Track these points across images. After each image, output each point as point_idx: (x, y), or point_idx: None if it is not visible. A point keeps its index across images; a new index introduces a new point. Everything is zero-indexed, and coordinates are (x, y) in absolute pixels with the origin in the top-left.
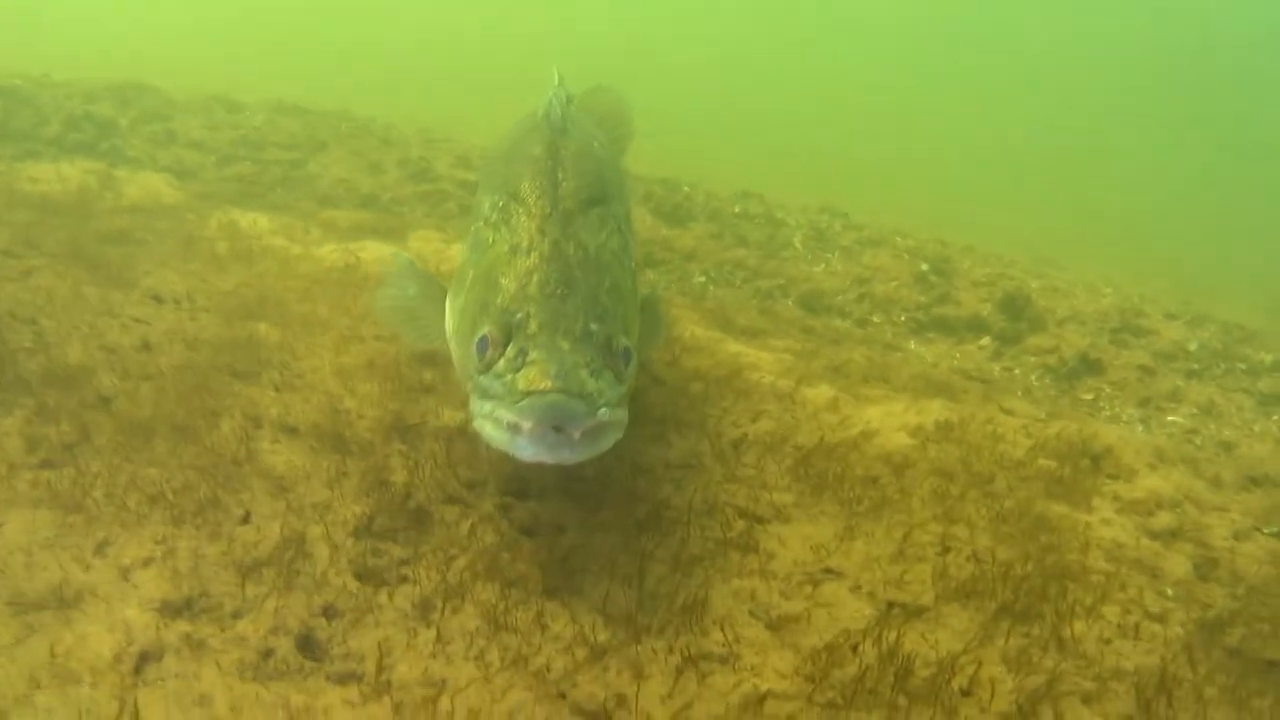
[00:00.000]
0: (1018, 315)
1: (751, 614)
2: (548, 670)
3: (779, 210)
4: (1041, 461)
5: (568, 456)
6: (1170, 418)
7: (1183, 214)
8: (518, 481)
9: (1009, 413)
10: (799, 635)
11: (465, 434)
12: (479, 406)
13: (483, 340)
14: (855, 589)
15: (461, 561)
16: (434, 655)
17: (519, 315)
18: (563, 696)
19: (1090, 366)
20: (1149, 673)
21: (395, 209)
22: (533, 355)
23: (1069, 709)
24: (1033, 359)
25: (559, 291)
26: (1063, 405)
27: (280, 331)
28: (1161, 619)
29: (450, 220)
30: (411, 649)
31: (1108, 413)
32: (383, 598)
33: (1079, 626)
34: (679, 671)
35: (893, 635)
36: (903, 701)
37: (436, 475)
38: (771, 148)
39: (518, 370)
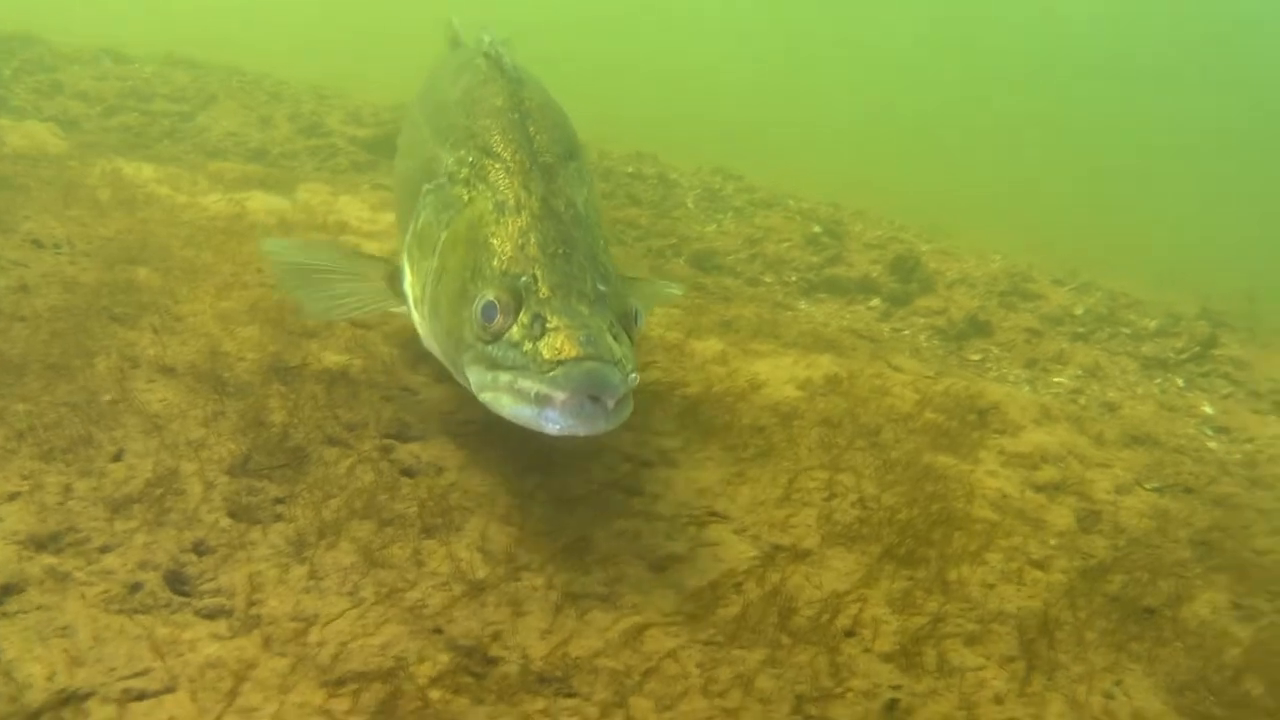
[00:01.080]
0: (908, 277)
1: (634, 554)
2: (423, 606)
3: (672, 172)
4: (929, 415)
5: (602, 426)
6: (1056, 379)
7: (1075, 188)
8: (398, 424)
9: (897, 369)
10: (682, 575)
11: (346, 377)
12: (487, 377)
13: (488, 306)
14: (740, 532)
15: (338, 500)
16: (306, 590)
17: (524, 279)
18: (438, 631)
19: (978, 328)
20: (1031, 616)
21: (284, 162)
22: (554, 321)
23: (952, 649)
24: (922, 320)
25: (561, 251)
26: (951, 365)
27: (162, 277)
28: (1044, 566)
29: (340, 175)
30: (283, 584)
31: (995, 373)
32: (256, 535)
33: (963, 571)
34: (558, 608)
35: (776, 576)
36: (785, 640)
37: (316, 416)
38: (670, 112)
39: (539, 338)
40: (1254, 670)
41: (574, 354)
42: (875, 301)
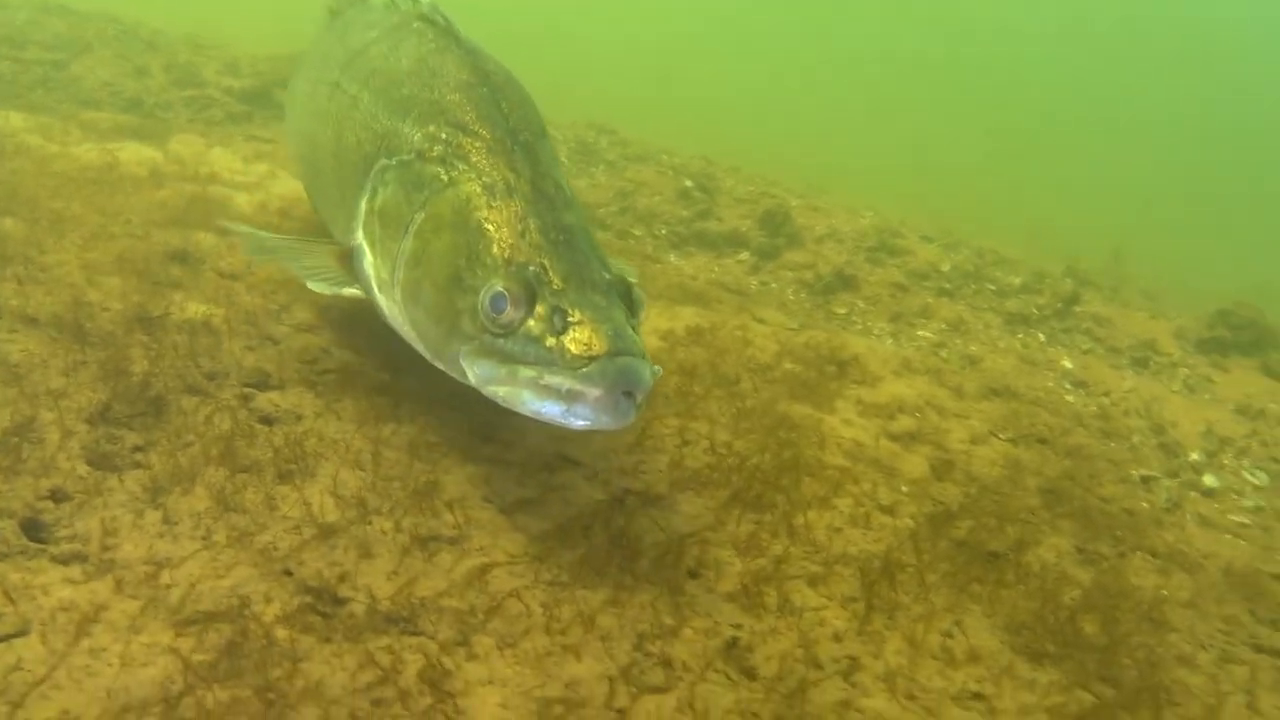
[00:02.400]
0: (776, 231)
1: (485, 499)
2: (274, 548)
3: (548, 125)
4: (788, 366)
5: (630, 420)
6: (920, 332)
7: (963, 152)
8: (259, 373)
9: (761, 321)
10: (531, 519)
11: (209, 326)
12: (500, 371)
13: (498, 298)
14: (591, 477)
15: (196, 448)
16: (160, 535)
17: (531, 268)
18: (288, 573)
19: (845, 282)
20: (875, 559)
21: (159, 113)
22: (576, 315)
23: (794, 590)
24: (790, 274)
25: (563, 238)
26: (816, 318)
27: (28, 227)
28: (892, 511)
29: (215, 126)
30: (137, 529)
31: (860, 326)
32: (113, 482)
33: (810, 515)
34: (405, 550)
35: (623, 520)
36: (629, 581)
37: (177, 366)
38: (550, 67)
39: (562, 333)
40: (1090, 611)
41: (605, 349)
42: (744, 255)
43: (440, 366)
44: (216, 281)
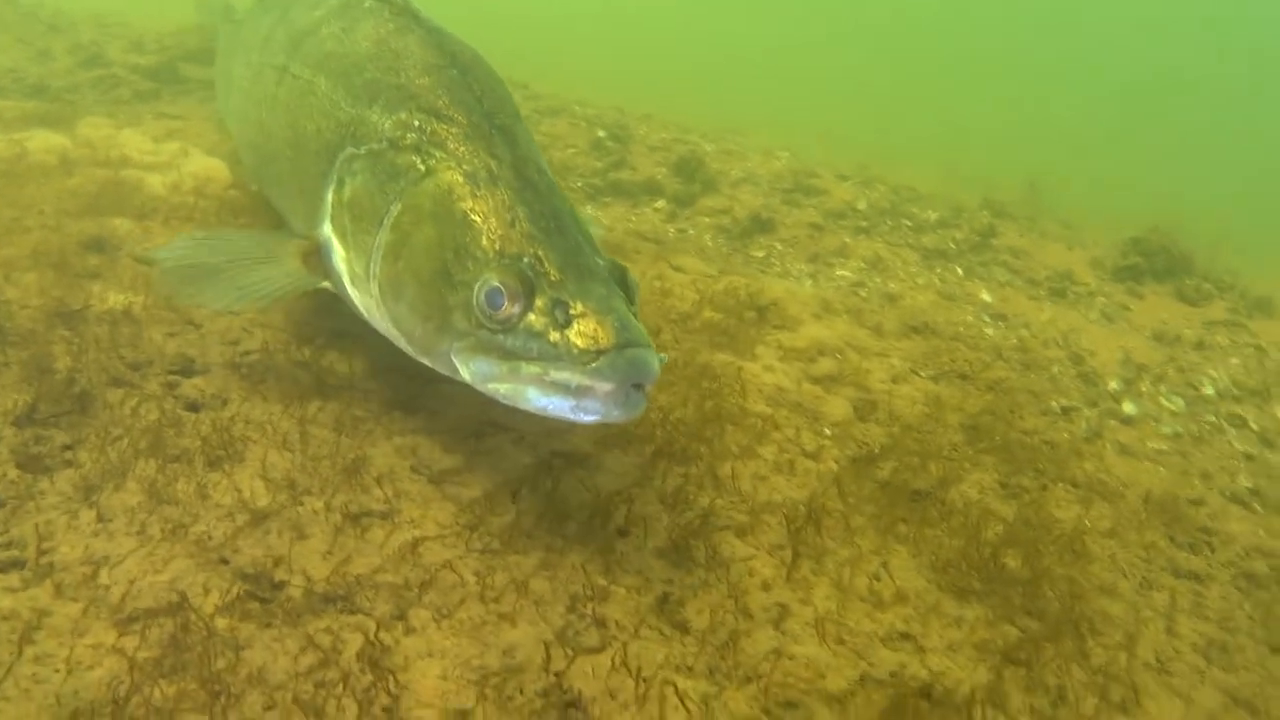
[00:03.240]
0: (692, 178)
1: (413, 470)
2: (209, 538)
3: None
4: (708, 314)
5: (640, 411)
6: (839, 272)
7: (884, 90)
8: (182, 360)
9: (679, 270)
10: (460, 487)
11: (130, 316)
12: (502, 368)
13: (494, 293)
14: (518, 441)
15: (124, 442)
16: (95, 534)
17: (525, 260)
18: (224, 562)
19: (762, 225)
20: (801, 505)
21: (66, 97)
22: (578, 307)
23: (723, 541)
24: (707, 220)
25: (553, 226)
26: (735, 262)
27: None
28: (816, 456)
29: (123, 105)
30: (73, 530)
31: (779, 269)
32: (44, 484)
33: (735, 466)
34: (338, 529)
35: (550, 483)
36: (559, 543)
37: (100, 359)
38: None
39: (566, 326)
40: (1013, 545)
41: (612, 342)
42: (661, 203)
43: (427, 363)
44: (134, 268)
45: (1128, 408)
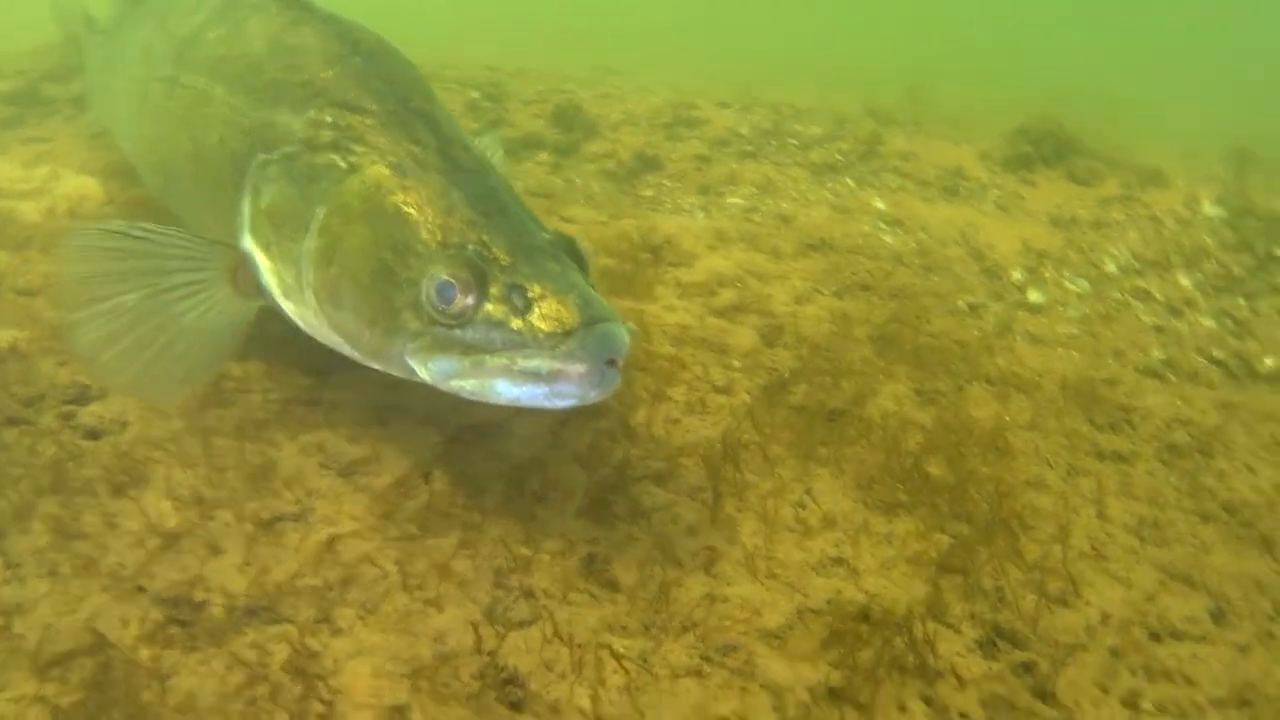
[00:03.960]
0: (571, 126)
1: (322, 466)
2: (122, 568)
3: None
4: (604, 261)
5: (615, 387)
6: (730, 200)
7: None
8: (77, 388)
9: (570, 221)
10: (371, 477)
11: (16, 351)
12: (464, 363)
13: (444, 287)
14: (424, 421)
15: (25, 482)
16: (6, 582)
17: (470, 248)
18: (141, 590)
19: (648, 164)
20: (715, 443)
21: None
22: (535, 288)
23: (643, 492)
24: (591, 166)
25: (493, 207)
26: (625, 205)
27: None
28: (728, 390)
29: None
30: None
31: (669, 205)
32: None
33: (645, 412)
34: (252, 539)
35: (461, 458)
36: (477, 519)
37: None
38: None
39: (526, 311)
40: (934, 452)
41: (578, 321)
42: (543, 156)
43: (378, 366)
44: (16, 301)
45: (1033, 296)
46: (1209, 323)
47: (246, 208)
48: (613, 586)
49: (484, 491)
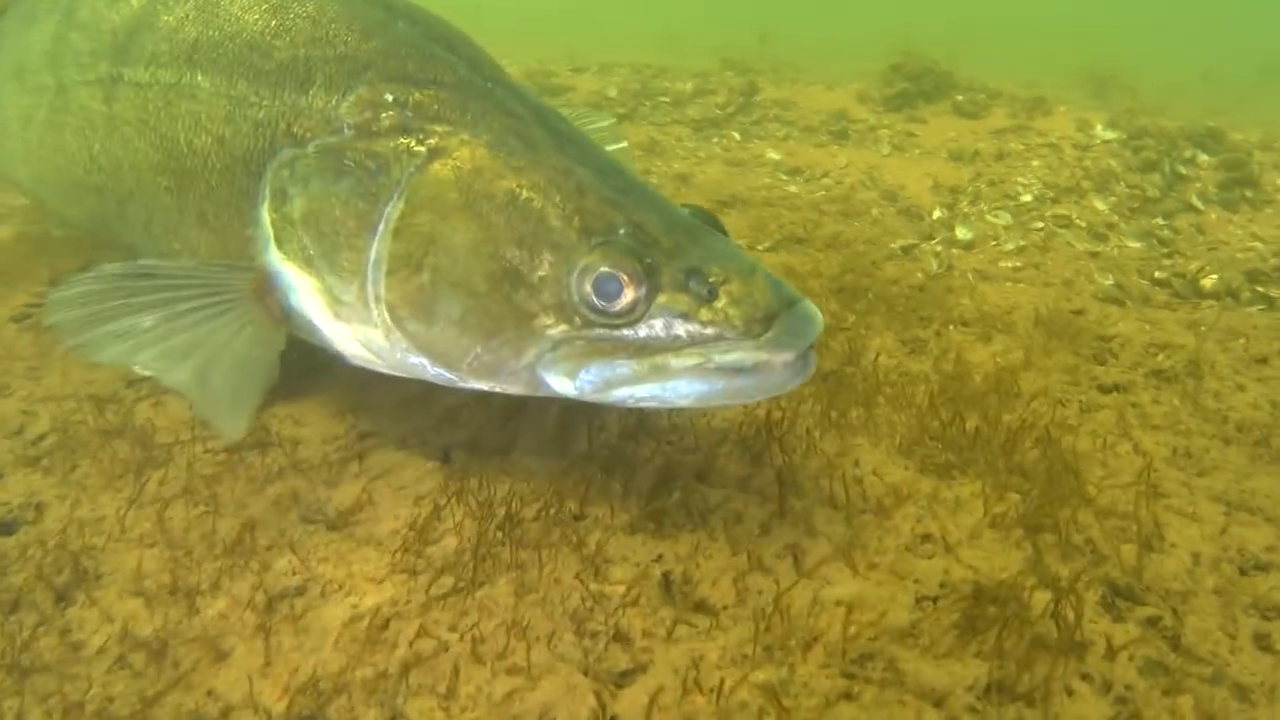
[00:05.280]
0: None
1: (306, 521)
2: (111, 704)
3: None
4: None
5: (811, 372)
6: None
7: None
8: None
9: None
10: (370, 524)
11: None
12: (636, 368)
13: (605, 280)
14: (402, 444)
15: None
16: None
17: (623, 231)
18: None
19: None
20: (747, 426)
21: None
22: (716, 271)
23: (692, 493)
24: None
25: (624, 183)
26: None
27: None
28: None
29: None
30: None
31: None
32: None
33: None
34: (261, 629)
35: (470, 484)
36: (523, 555)
37: None
38: None
39: (713, 299)
40: (951, 404)
41: (777, 303)
42: None
43: (483, 387)
44: None
45: (962, 233)
46: (1135, 244)
47: (267, 216)
48: (707, 610)
49: (513, 520)
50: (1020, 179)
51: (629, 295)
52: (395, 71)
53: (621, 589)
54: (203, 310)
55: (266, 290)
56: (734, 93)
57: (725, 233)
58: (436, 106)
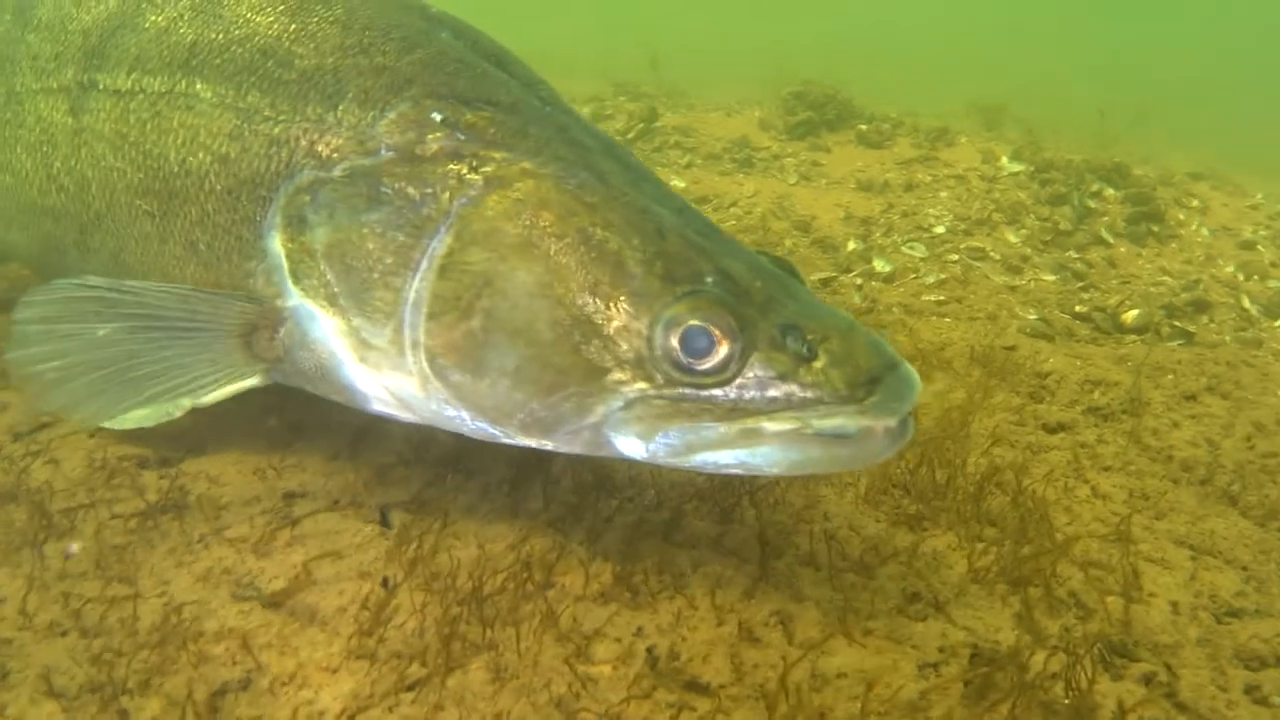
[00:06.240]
0: None
1: (238, 599)
2: None
3: None
4: None
5: (909, 438)
6: None
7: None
8: None
9: None
10: (315, 597)
11: None
12: (724, 432)
13: (694, 335)
14: (333, 506)
15: None
16: None
17: (711, 279)
18: None
19: None
20: (703, 480)
21: None
22: (813, 328)
23: (663, 555)
24: None
25: (705, 226)
26: None
27: None
28: None
29: None
30: None
31: None
32: None
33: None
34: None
35: (421, 551)
36: (490, 634)
37: None
38: None
39: (812, 358)
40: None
41: (879, 364)
42: None
43: (535, 444)
44: None
45: (880, 266)
46: (1050, 277)
47: (279, 246)
48: (705, 690)
49: (475, 593)
50: (931, 210)
51: (722, 352)
52: (443, 88)
53: (608, 669)
54: (175, 343)
55: (261, 327)
56: (634, 118)
57: (804, 282)
58: (493, 130)
